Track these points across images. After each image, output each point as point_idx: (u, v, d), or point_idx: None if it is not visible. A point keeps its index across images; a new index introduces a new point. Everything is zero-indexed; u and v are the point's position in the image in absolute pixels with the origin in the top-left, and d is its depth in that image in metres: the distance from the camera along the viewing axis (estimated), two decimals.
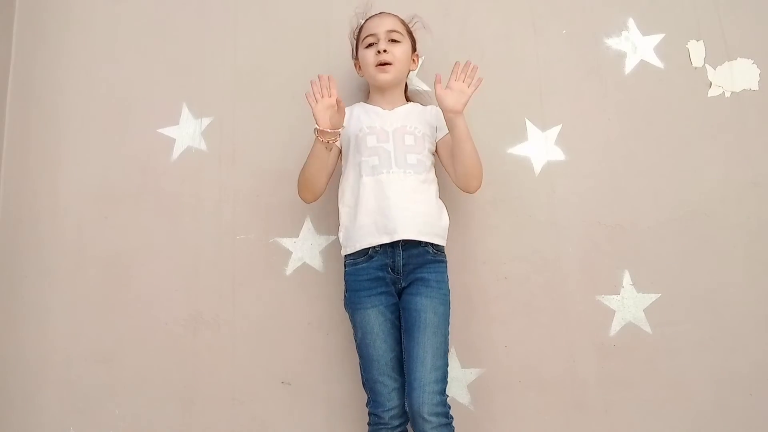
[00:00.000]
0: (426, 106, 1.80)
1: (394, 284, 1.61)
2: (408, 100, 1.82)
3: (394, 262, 1.60)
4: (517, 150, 1.91)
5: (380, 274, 1.60)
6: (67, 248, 1.97)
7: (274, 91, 2.01)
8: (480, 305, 1.78)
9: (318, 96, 1.57)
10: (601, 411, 1.76)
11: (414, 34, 1.80)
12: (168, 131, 2.02)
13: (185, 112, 2.03)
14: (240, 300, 1.89)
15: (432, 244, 1.63)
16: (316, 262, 1.89)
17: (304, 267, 1.89)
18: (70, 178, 2.01)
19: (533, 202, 1.87)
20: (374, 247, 1.60)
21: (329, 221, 1.85)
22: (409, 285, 1.61)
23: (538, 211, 1.86)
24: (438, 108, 1.75)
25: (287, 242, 1.90)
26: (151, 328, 1.89)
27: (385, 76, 1.71)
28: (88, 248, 1.96)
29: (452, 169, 1.68)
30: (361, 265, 1.62)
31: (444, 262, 1.66)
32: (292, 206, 1.89)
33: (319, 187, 1.69)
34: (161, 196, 1.97)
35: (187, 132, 2.01)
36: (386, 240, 1.59)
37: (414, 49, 1.79)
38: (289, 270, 1.89)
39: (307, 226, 1.90)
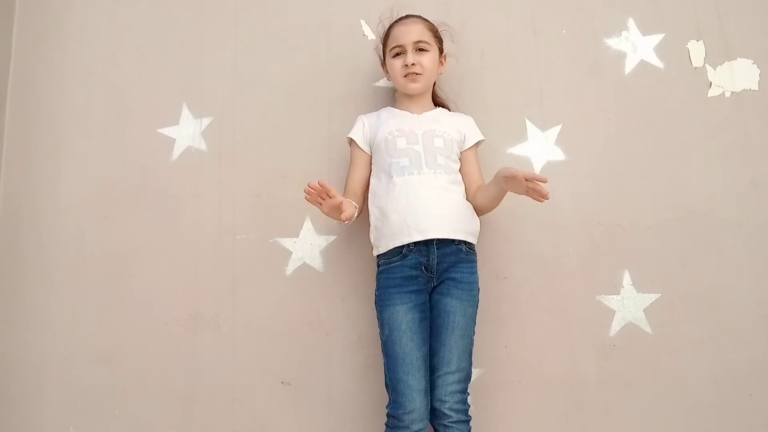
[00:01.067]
0: (454, 112, 1.82)
1: (427, 283, 1.62)
2: (436, 103, 1.83)
3: (428, 260, 1.60)
4: (517, 150, 1.91)
5: (414, 272, 1.60)
6: (67, 248, 1.97)
7: (274, 91, 2.01)
8: (480, 305, 1.78)
9: (320, 200, 1.50)
10: (601, 411, 1.76)
11: (440, 35, 1.80)
12: (168, 131, 2.02)
13: (185, 112, 2.03)
14: (240, 300, 1.89)
15: (465, 243, 1.64)
16: (316, 262, 1.89)
17: (304, 267, 1.89)
18: (71, 178, 2.02)
19: (533, 202, 1.86)
20: (408, 245, 1.60)
21: (329, 221, 1.85)
22: (440, 284, 1.62)
23: (538, 211, 1.85)
24: (468, 117, 1.80)
25: (287, 242, 1.90)
26: (151, 328, 1.89)
27: (414, 86, 1.72)
28: (88, 248, 1.96)
29: (470, 191, 1.71)
30: (394, 264, 1.62)
31: (475, 261, 1.68)
32: (292, 206, 1.89)
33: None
34: (161, 196, 1.97)
35: (187, 132, 2.01)
36: (419, 238, 1.59)
37: (441, 51, 1.79)
38: (289, 270, 1.89)
39: (307, 226, 1.90)
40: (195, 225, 1.94)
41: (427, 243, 1.60)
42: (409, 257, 1.60)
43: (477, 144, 1.78)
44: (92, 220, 1.98)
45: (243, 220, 1.93)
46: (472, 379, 1.75)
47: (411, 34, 1.71)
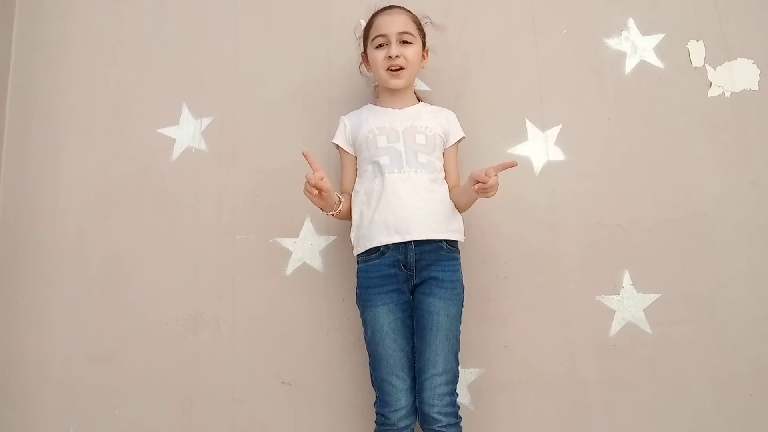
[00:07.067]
0: (435, 106, 1.79)
1: (407, 281, 1.60)
2: (417, 98, 1.80)
3: (406, 258, 1.58)
4: (517, 150, 1.91)
5: (392, 271, 1.59)
6: (67, 248, 1.97)
7: (274, 91, 2.01)
8: (480, 305, 1.78)
9: (309, 186, 1.50)
10: (601, 411, 1.76)
11: (423, 28, 1.77)
12: (168, 131, 2.02)
13: (185, 112, 2.03)
14: (240, 300, 1.89)
15: (446, 240, 1.61)
16: (316, 262, 1.89)
17: (304, 267, 1.89)
18: (71, 178, 2.02)
19: (533, 202, 1.87)
20: (386, 244, 1.59)
21: (329, 221, 1.85)
22: (422, 283, 1.60)
23: (538, 211, 1.86)
24: (451, 112, 1.77)
25: (287, 242, 1.90)
26: (151, 328, 1.89)
27: (397, 82, 1.68)
28: (88, 248, 1.96)
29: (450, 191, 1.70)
30: (372, 262, 1.61)
31: (458, 258, 1.65)
32: (292, 206, 1.89)
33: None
34: (161, 196, 1.97)
35: (187, 132, 2.01)
36: (398, 240, 1.57)
37: (424, 45, 1.75)
38: (289, 270, 1.89)
39: (307, 226, 1.90)
40: (195, 225, 1.94)
41: (405, 242, 1.58)
42: (387, 254, 1.59)
43: (458, 141, 1.75)
44: (92, 220, 1.98)
45: (243, 220, 1.93)
46: (472, 379, 1.75)
47: (395, 24, 1.67)
